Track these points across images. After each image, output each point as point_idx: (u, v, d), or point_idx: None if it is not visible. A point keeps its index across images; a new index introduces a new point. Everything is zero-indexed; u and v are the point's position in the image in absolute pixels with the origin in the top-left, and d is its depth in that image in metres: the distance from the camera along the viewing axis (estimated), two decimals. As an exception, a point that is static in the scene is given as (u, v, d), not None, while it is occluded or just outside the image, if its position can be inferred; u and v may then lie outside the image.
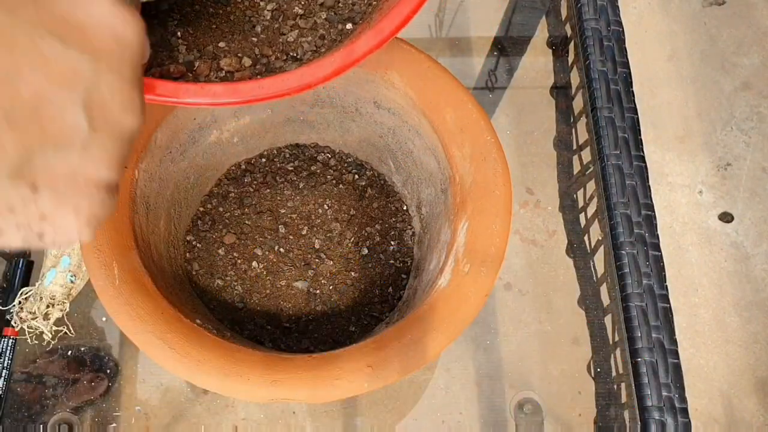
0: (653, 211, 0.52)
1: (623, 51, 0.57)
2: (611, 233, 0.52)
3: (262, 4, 0.38)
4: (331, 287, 0.51)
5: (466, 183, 0.44)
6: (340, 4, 0.38)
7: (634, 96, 0.56)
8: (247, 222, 0.53)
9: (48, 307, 0.51)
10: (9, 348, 0.51)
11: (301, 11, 0.37)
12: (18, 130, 0.17)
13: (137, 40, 0.20)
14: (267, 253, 0.52)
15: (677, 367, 0.47)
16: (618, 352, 0.51)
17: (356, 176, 0.56)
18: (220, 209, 0.54)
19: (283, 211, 0.54)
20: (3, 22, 0.17)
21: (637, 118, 0.55)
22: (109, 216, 0.20)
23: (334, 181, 0.55)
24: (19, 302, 0.52)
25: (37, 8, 0.18)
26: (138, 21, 0.20)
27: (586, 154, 0.58)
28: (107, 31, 0.19)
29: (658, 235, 0.51)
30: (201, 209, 0.53)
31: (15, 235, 0.19)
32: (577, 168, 0.60)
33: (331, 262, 0.52)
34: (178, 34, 0.36)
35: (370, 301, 0.51)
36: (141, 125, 0.21)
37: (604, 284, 0.54)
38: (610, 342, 0.53)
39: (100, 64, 0.19)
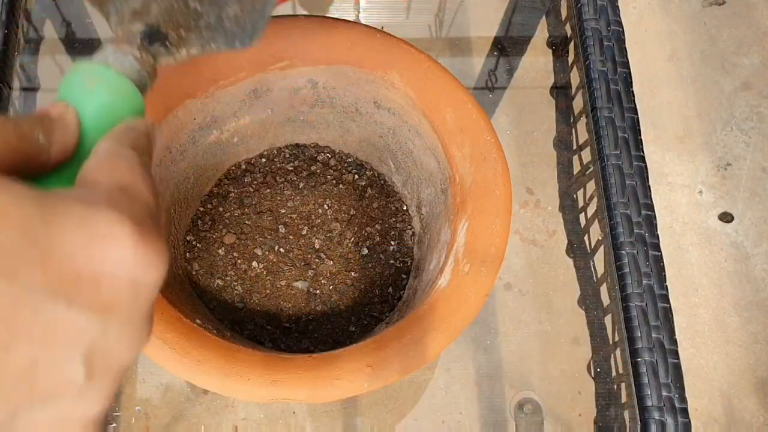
0: (653, 211, 0.52)
1: (623, 51, 0.57)
2: (611, 233, 0.52)
3: None
4: (331, 287, 0.51)
5: (466, 183, 0.44)
6: None
7: (634, 96, 0.56)
8: (247, 222, 0.53)
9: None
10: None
11: None
12: (4, 395, 0.15)
13: (157, 280, 0.18)
14: (267, 253, 0.52)
15: (677, 367, 0.47)
16: (618, 352, 0.51)
17: (356, 176, 0.56)
18: (220, 209, 0.54)
19: (283, 211, 0.54)
20: (2, 292, 0.15)
21: (637, 118, 0.55)
22: None
23: (334, 181, 0.55)
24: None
25: (45, 269, 0.16)
26: (161, 256, 0.18)
27: (586, 154, 0.58)
28: (124, 280, 0.17)
29: (658, 235, 0.51)
30: (201, 209, 0.53)
31: None
32: (577, 168, 0.60)
33: (331, 262, 0.52)
34: None
35: (370, 301, 0.51)
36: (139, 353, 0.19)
37: (604, 284, 0.54)
38: (610, 342, 0.53)
39: (110, 318, 0.17)
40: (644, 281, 0.50)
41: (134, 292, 0.17)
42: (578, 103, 0.61)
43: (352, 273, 0.52)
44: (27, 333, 0.16)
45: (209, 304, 0.50)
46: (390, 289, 0.52)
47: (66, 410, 0.17)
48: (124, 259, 0.17)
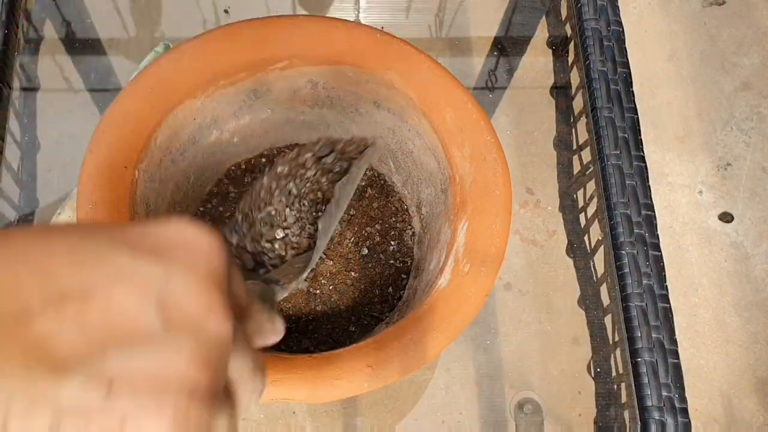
0: (653, 211, 0.52)
1: (623, 51, 0.57)
2: (611, 233, 0.52)
3: None
4: (331, 287, 0.51)
5: (466, 183, 0.44)
6: None
7: (634, 96, 0.56)
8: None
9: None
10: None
11: None
12: (88, 333, 0.17)
13: (210, 246, 0.20)
14: (267, 253, 0.52)
15: (677, 367, 0.47)
16: (618, 352, 0.51)
17: (356, 176, 0.56)
18: (221, 209, 0.54)
19: (283, 211, 0.54)
20: (77, 242, 0.18)
21: (637, 118, 0.55)
22: (203, 427, 0.19)
23: (334, 181, 0.55)
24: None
25: (111, 235, 0.19)
26: (211, 234, 0.21)
27: (586, 154, 0.58)
28: (179, 243, 0.20)
29: (658, 235, 0.51)
30: (201, 209, 0.53)
31: None
32: (577, 168, 0.60)
33: (331, 262, 0.52)
34: None
35: (370, 301, 0.51)
36: (229, 332, 0.20)
37: (604, 284, 0.54)
38: (610, 342, 0.53)
39: (171, 268, 0.19)
40: (644, 281, 0.50)
41: (188, 251, 0.20)
42: (578, 103, 0.61)
43: (352, 273, 0.52)
44: (103, 275, 0.18)
45: (209, 304, 0.50)
46: (390, 289, 0.52)
47: (152, 363, 0.18)
48: (171, 231, 0.20)
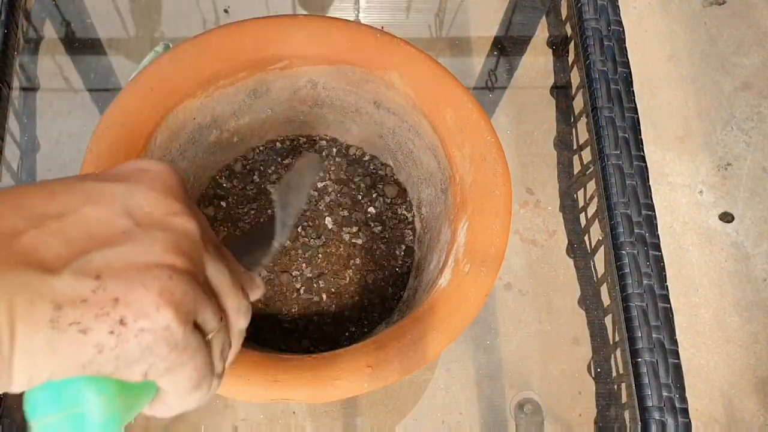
0: (653, 211, 0.52)
1: (623, 51, 0.57)
2: (611, 233, 0.52)
3: None
4: (331, 287, 0.51)
5: (466, 183, 0.44)
6: None
7: (634, 96, 0.56)
8: (247, 222, 0.53)
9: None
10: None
11: None
12: (69, 241, 0.20)
13: (163, 169, 0.24)
14: (267, 253, 0.52)
15: (677, 367, 0.47)
16: (618, 352, 0.51)
17: (356, 176, 0.56)
18: (220, 209, 0.53)
19: (283, 211, 0.54)
20: (48, 183, 0.21)
21: (638, 118, 0.55)
22: (189, 297, 0.21)
23: (334, 181, 0.55)
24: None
25: (76, 177, 0.22)
26: (163, 162, 0.24)
27: (586, 154, 0.58)
28: (136, 171, 0.23)
29: (658, 235, 0.51)
30: (201, 209, 0.53)
31: (100, 329, 0.19)
32: (577, 168, 0.60)
33: (332, 262, 0.52)
34: None
35: (371, 301, 0.51)
36: (195, 228, 0.22)
37: (605, 284, 0.54)
38: (611, 342, 0.53)
39: (132, 186, 0.22)
40: (644, 281, 0.49)
41: (144, 173, 0.23)
42: (578, 103, 0.61)
43: (351, 272, 0.52)
44: (73, 199, 0.21)
45: (209, 304, 0.50)
46: (390, 289, 0.52)
47: (131, 253, 0.20)
48: (129, 168, 0.24)
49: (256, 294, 0.28)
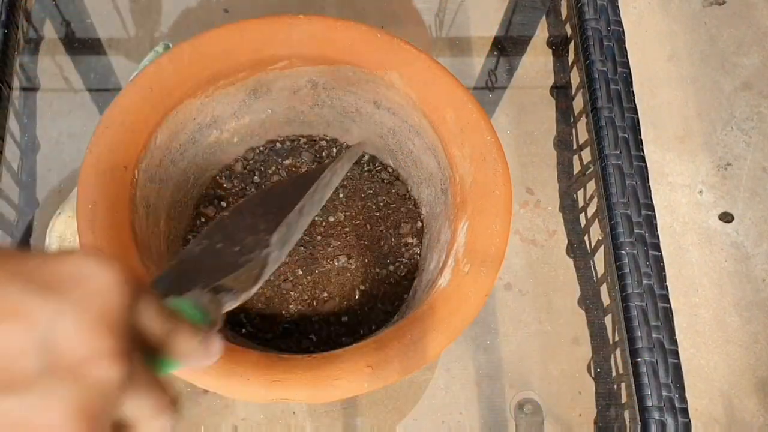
0: (653, 211, 0.52)
1: (623, 51, 0.57)
2: (611, 233, 0.52)
3: None
4: (331, 287, 0.51)
5: (466, 183, 0.44)
6: None
7: (634, 96, 0.56)
8: (247, 222, 0.53)
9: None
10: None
11: None
12: None
13: (109, 283, 0.19)
14: (267, 253, 0.52)
15: (677, 367, 0.47)
16: (618, 352, 0.51)
17: (356, 176, 0.56)
18: (219, 210, 0.53)
19: (283, 211, 0.54)
20: None
21: (637, 118, 0.55)
22: None
23: (334, 181, 0.55)
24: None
25: (6, 266, 0.18)
26: (113, 268, 0.20)
27: (586, 154, 0.58)
28: (76, 279, 0.19)
29: (658, 235, 0.51)
30: (201, 209, 0.53)
31: None
32: (577, 168, 0.60)
33: (331, 262, 0.52)
34: None
35: (370, 301, 0.51)
36: (116, 377, 0.19)
37: (604, 284, 0.54)
38: (610, 342, 0.53)
39: (63, 306, 0.18)
40: (644, 281, 0.49)
41: (84, 288, 0.19)
42: (578, 103, 0.61)
43: (349, 271, 0.52)
44: None
45: (209, 304, 0.50)
46: (390, 289, 0.51)
47: (31, 411, 0.17)
48: (71, 264, 0.19)
49: (208, 362, 0.25)
